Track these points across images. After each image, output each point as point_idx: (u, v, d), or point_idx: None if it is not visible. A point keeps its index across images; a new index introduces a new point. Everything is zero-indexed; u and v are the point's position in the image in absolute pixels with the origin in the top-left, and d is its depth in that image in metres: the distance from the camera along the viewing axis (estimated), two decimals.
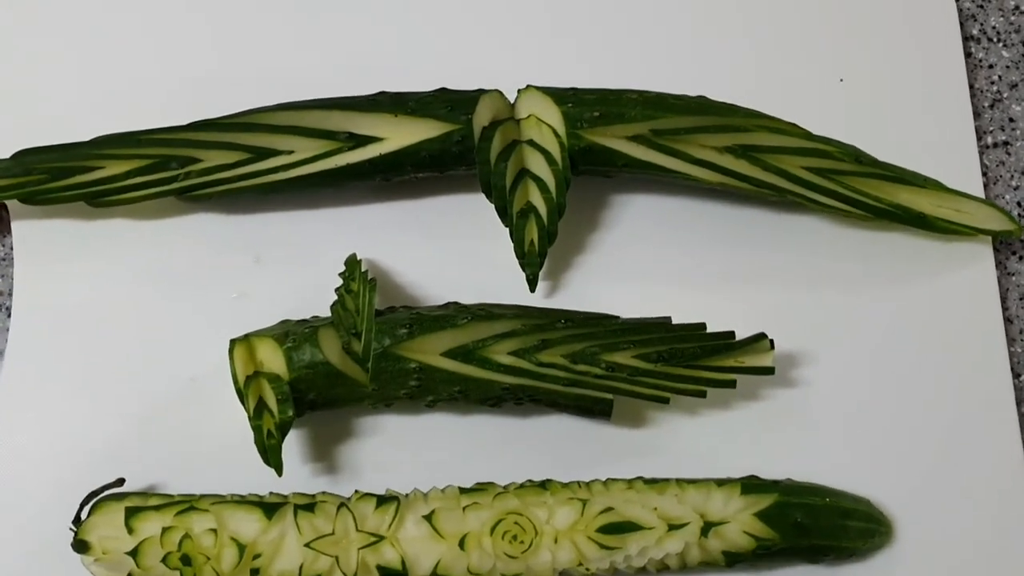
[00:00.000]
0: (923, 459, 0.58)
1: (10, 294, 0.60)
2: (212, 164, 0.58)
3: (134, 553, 0.50)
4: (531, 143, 0.58)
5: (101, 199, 0.58)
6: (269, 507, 0.52)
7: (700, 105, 0.58)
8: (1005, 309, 0.62)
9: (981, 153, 0.64)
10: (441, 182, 0.61)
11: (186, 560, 0.50)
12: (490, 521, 0.51)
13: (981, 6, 0.67)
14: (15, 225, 0.60)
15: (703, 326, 0.55)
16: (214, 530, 0.50)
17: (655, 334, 0.55)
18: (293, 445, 0.57)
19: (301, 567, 0.50)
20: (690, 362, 0.55)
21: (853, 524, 0.54)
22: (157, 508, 0.51)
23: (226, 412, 0.56)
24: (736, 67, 0.64)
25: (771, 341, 0.55)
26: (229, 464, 0.56)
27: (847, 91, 0.64)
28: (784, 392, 0.59)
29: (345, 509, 0.51)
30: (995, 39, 0.67)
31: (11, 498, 0.56)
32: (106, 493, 0.53)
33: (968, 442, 0.58)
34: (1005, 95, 0.66)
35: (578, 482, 0.53)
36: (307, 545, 0.50)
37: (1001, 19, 0.67)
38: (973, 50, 0.66)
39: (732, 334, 0.55)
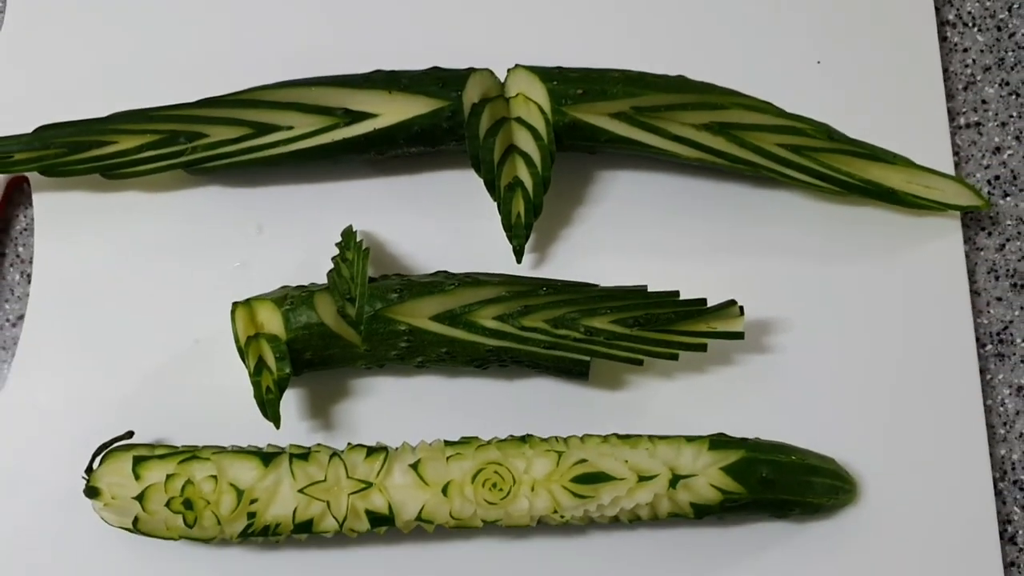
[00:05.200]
0: (889, 424, 0.61)
1: (31, 262, 0.64)
2: (217, 139, 0.61)
3: (140, 498, 0.54)
4: (519, 120, 0.61)
5: (115, 171, 0.62)
6: (266, 456, 0.55)
7: (679, 83, 0.61)
8: (973, 282, 0.64)
9: (954, 133, 0.67)
10: (433, 159, 0.64)
11: (188, 504, 0.54)
12: (471, 470, 0.54)
13: None
14: (36, 197, 0.64)
15: (676, 293, 0.58)
16: (214, 476, 0.54)
17: (631, 300, 0.58)
18: (291, 404, 0.61)
19: (295, 511, 0.54)
20: (664, 327, 0.58)
21: (818, 481, 0.57)
22: (162, 457, 0.55)
23: (228, 373, 0.60)
24: (717, 49, 0.66)
25: (741, 307, 0.58)
26: (230, 421, 0.59)
27: (824, 73, 0.67)
28: (755, 358, 0.62)
29: (337, 458, 0.55)
30: (970, 23, 0.69)
31: (31, 452, 0.60)
32: (116, 445, 0.57)
33: (932, 408, 0.61)
34: (979, 78, 0.68)
35: (556, 437, 0.57)
36: (300, 491, 0.54)
37: (976, 4, 0.69)
38: (948, 34, 0.69)
39: (704, 301, 0.58)
